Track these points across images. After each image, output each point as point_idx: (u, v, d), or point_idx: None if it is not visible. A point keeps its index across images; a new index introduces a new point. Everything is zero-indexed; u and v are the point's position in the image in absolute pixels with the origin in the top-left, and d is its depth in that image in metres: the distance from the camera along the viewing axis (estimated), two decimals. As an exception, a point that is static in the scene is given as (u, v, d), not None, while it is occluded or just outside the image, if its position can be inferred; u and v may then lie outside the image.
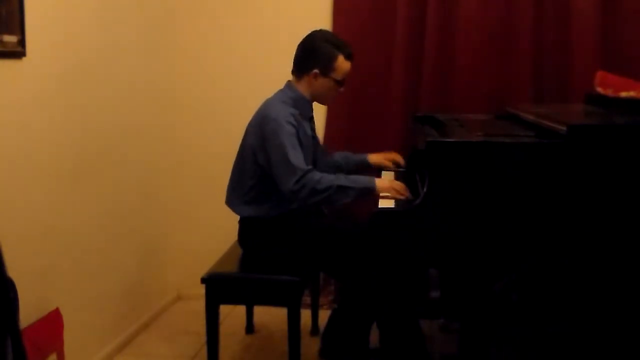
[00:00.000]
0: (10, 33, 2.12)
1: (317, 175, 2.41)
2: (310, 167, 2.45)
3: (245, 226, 2.63)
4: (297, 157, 2.42)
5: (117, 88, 2.85)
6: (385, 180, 2.50)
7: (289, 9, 3.31)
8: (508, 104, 2.88)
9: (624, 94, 2.38)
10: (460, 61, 3.14)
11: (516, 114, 2.60)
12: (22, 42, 2.18)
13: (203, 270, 2.52)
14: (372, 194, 2.42)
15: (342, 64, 2.56)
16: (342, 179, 2.43)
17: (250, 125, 2.58)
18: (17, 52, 2.17)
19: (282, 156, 2.41)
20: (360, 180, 2.45)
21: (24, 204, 2.24)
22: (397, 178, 2.74)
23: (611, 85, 2.50)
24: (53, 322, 2.34)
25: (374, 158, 2.88)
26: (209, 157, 3.35)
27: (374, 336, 2.56)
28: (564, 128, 1.97)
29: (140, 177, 3.12)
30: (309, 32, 2.63)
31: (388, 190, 2.41)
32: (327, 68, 2.55)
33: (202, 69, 3.41)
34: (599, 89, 2.56)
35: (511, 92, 3.11)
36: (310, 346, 2.81)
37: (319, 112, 3.27)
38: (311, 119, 2.68)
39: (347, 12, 3.22)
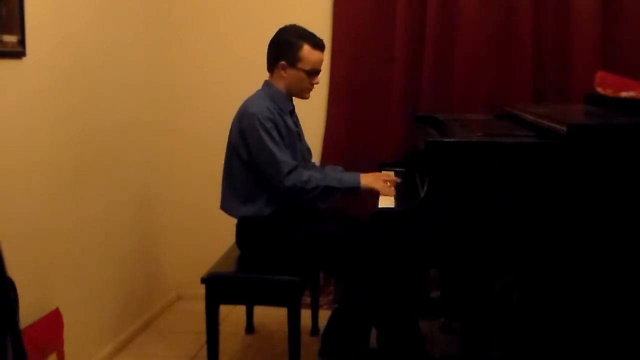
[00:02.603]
0: (10, 33, 2.12)
1: (305, 174, 2.46)
2: (296, 163, 2.48)
3: (242, 228, 2.63)
4: (281, 152, 2.45)
5: (116, 88, 2.85)
6: (370, 176, 2.54)
7: (289, 9, 3.30)
8: (508, 104, 2.87)
9: (624, 94, 2.38)
10: (460, 61, 3.14)
11: (516, 114, 2.59)
12: (22, 42, 2.18)
13: (203, 270, 2.52)
14: (358, 191, 2.51)
15: (309, 53, 2.55)
16: (329, 179, 2.49)
17: (232, 124, 2.60)
18: (17, 52, 2.17)
19: (266, 153, 2.44)
20: (346, 179, 2.53)
21: (24, 204, 2.24)
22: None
23: (611, 85, 2.50)
24: (53, 322, 2.34)
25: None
26: (209, 157, 3.33)
27: (374, 336, 2.56)
28: (564, 128, 1.96)
29: (140, 176, 3.12)
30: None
31: (373, 184, 2.48)
32: (293, 58, 2.55)
33: (201, 69, 3.41)
34: (599, 89, 2.56)
35: (511, 92, 3.11)
36: (310, 346, 2.81)
37: (319, 112, 3.27)
38: (292, 113, 2.68)
39: (347, 12, 3.22)
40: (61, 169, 2.46)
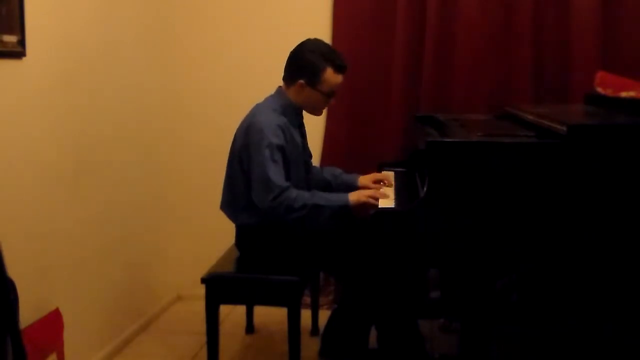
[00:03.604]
0: (10, 33, 2.12)
1: (293, 193, 2.39)
2: (287, 184, 2.41)
3: (242, 233, 2.62)
4: (276, 173, 2.39)
5: (116, 88, 2.85)
6: (357, 193, 2.43)
7: (290, 9, 3.31)
8: (508, 104, 2.88)
9: (624, 94, 2.39)
10: (460, 61, 3.14)
11: (516, 114, 2.60)
12: (22, 42, 2.18)
13: (203, 270, 2.52)
14: (348, 211, 2.39)
15: (331, 76, 2.50)
16: (316, 197, 2.41)
17: (238, 130, 2.56)
18: (17, 52, 2.17)
19: (261, 171, 2.39)
20: (335, 198, 2.43)
21: (24, 204, 2.24)
22: (396, 178, 2.75)
23: (611, 85, 2.50)
24: (53, 322, 2.34)
25: (364, 180, 2.73)
26: (209, 157, 3.35)
27: (374, 336, 2.56)
28: (564, 128, 1.97)
29: (140, 176, 3.12)
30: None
31: (363, 200, 2.37)
32: (313, 80, 2.49)
33: (202, 70, 3.41)
34: (599, 89, 2.56)
35: (511, 92, 3.12)
36: (310, 346, 2.81)
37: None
38: (301, 126, 2.65)
39: (347, 12, 3.22)
40: (61, 169, 2.46)
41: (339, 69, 2.51)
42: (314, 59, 2.49)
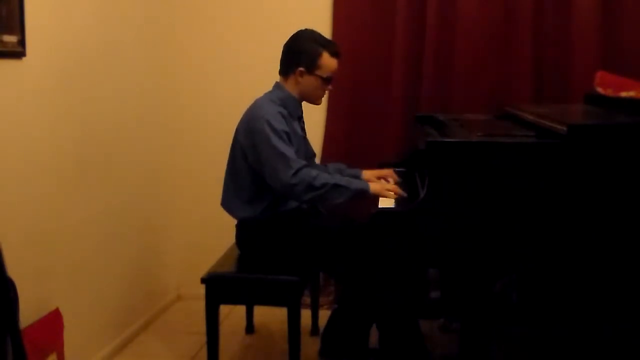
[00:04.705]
0: (10, 33, 2.12)
1: (313, 171, 2.43)
2: (305, 162, 2.46)
3: (242, 229, 2.63)
4: (290, 152, 2.43)
5: (117, 88, 2.85)
6: (378, 184, 2.53)
7: (290, 8, 3.31)
8: (508, 104, 2.88)
9: (624, 94, 2.39)
10: (460, 61, 3.14)
11: (516, 114, 2.60)
12: (22, 42, 2.18)
13: (203, 270, 2.53)
14: (366, 196, 2.46)
15: (327, 61, 2.56)
16: (337, 178, 2.47)
17: (239, 124, 2.58)
18: (17, 52, 2.17)
19: (275, 152, 2.41)
20: (355, 181, 2.52)
21: (24, 204, 2.24)
22: (397, 178, 2.75)
23: (611, 85, 2.50)
24: (53, 322, 2.34)
25: (367, 175, 2.79)
26: (209, 157, 3.35)
27: (374, 336, 2.57)
28: (564, 128, 1.97)
29: (140, 176, 3.12)
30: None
31: (381, 192, 2.44)
32: (312, 65, 2.55)
33: (202, 69, 3.41)
34: (599, 89, 2.56)
35: (511, 92, 3.12)
36: (310, 346, 2.81)
37: (319, 111, 3.27)
38: (300, 119, 2.68)
39: (347, 12, 3.22)
40: (61, 169, 2.46)
41: (333, 53, 2.58)
42: (310, 45, 2.55)
